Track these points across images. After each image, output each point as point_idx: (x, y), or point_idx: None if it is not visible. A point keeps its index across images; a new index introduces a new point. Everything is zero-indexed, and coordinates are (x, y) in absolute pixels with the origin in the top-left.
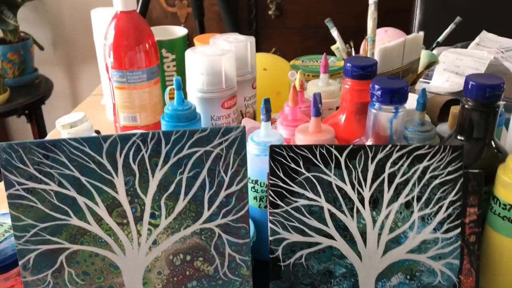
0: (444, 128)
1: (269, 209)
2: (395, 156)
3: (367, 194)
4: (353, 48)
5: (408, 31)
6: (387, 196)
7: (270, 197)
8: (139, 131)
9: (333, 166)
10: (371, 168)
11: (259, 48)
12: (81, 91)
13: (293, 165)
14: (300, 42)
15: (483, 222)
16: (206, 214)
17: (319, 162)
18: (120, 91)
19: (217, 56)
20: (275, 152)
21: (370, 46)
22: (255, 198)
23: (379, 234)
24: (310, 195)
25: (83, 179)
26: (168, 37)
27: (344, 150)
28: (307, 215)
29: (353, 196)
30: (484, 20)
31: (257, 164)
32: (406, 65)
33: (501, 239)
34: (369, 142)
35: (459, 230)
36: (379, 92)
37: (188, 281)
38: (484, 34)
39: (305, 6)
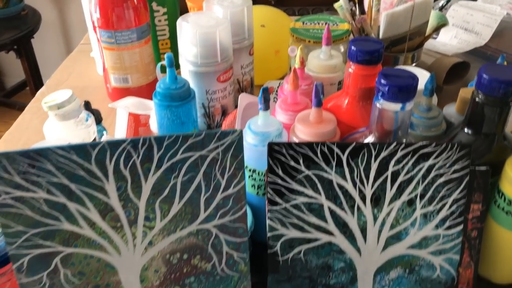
0: (451, 111)
1: (268, 206)
2: (399, 154)
3: (368, 192)
4: (357, 5)
5: None
6: (389, 194)
7: (268, 194)
8: (128, 139)
9: (334, 164)
10: (374, 166)
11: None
12: (70, 22)
13: (292, 163)
14: None
15: (485, 213)
16: (202, 215)
17: (319, 160)
18: (109, 52)
19: (211, 28)
20: (274, 150)
21: (376, 1)
22: (253, 186)
23: (380, 231)
24: (310, 192)
25: (72, 186)
26: None
27: (346, 148)
28: (306, 212)
29: (354, 194)
30: None
31: (254, 154)
32: (413, 28)
33: (503, 232)
34: (372, 136)
35: (461, 226)
36: (385, 88)
37: (186, 277)
38: None
39: None
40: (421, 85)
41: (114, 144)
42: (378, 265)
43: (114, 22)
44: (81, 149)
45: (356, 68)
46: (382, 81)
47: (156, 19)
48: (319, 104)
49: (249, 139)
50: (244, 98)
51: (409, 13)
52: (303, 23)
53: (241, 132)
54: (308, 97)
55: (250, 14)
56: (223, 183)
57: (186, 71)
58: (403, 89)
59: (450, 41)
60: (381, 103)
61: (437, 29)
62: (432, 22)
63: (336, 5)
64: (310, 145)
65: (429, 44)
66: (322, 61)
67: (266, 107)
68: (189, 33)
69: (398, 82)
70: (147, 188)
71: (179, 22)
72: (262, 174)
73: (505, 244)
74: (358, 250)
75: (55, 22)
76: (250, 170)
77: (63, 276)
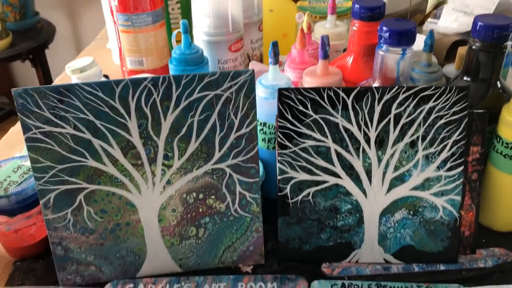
0: (450, 69)
1: (278, 150)
2: (401, 97)
3: (373, 135)
4: None
5: None
6: (392, 136)
7: (278, 138)
8: (149, 75)
9: (340, 108)
10: (378, 109)
11: None
12: (84, 34)
13: (301, 108)
14: None
15: (485, 161)
16: (217, 155)
17: (326, 104)
18: (125, 35)
19: None
20: (284, 95)
21: None
22: (263, 140)
23: (384, 173)
24: (318, 136)
25: (97, 122)
26: None
27: (351, 92)
28: (314, 155)
29: (359, 136)
30: None
31: (265, 107)
32: (414, 5)
33: (503, 176)
34: (376, 84)
35: (462, 168)
36: (387, 34)
37: (201, 217)
38: None
39: None
40: (421, 47)
41: (136, 82)
42: (383, 206)
43: (131, 6)
44: (106, 86)
45: (359, 25)
46: (384, 28)
47: (169, 7)
48: (325, 56)
49: (259, 93)
50: (254, 65)
51: None
52: (309, 2)
53: (253, 72)
54: (315, 60)
55: None
56: (237, 122)
57: (200, 42)
58: (403, 34)
59: (451, 24)
60: (383, 50)
61: (436, 7)
62: (432, 0)
63: None
64: (317, 90)
65: (431, 27)
66: (328, 29)
67: (276, 61)
68: (203, 4)
69: (398, 27)
70: (166, 126)
71: None
72: (272, 127)
73: (505, 188)
74: (364, 192)
75: (69, 34)
76: (261, 124)
77: (86, 213)
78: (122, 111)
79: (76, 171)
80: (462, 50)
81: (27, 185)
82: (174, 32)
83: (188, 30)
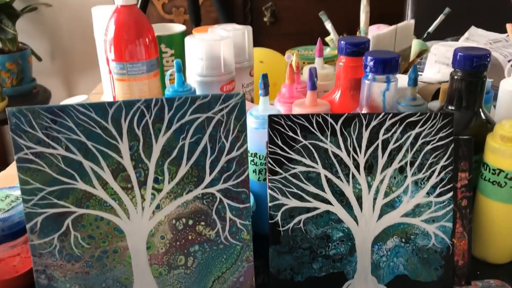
0: (435, 105)
1: (268, 176)
2: (388, 123)
3: (362, 160)
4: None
5: None
6: (381, 161)
7: (269, 164)
8: (142, 99)
9: (329, 133)
10: (366, 135)
11: None
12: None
13: (290, 133)
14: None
15: (474, 191)
16: (207, 179)
17: (315, 130)
18: (120, 83)
19: (215, 41)
20: (274, 121)
21: (364, 28)
22: (254, 171)
23: (374, 199)
24: (308, 161)
25: (89, 144)
26: (167, 33)
27: (340, 118)
28: (305, 181)
29: (349, 162)
30: (472, 19)
31: (256, 137)
32: (398, 52)
33: (492, 204)
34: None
35: (451, 193)
36: (371, 63)
37: (190, 245)
38: (474, 30)
39: (299, 12)
40: (405, 84)
41: (129, 103)
42: (375, 234)
43: (127, 55)
44: (100, 107)
45: (346, 60)
46: (369, 57)
47: (164, 60)
48: (313, 87)
49: (250, 123)
50: (246, 104)
51: (393, 35)
52: (298, 50)
53: (243, 95)
54: (304, 96)
55: (250, 38)
56: (227, 145)
57: (193, 83)
58: (387, 62)
59: (434, 76)
60: (369, 79)
61: (419, 55)
62: (414, 48)
63: (327, 39)
64: (306, 116)
65: None
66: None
67: (266, 92)
68: (196, 47)
69: (382, 56)
70: (157, 148)
71: (187, 39)
72: (263, 157)
73: (496, 216)
74: (355, 219)
75: (64, 99)
76: (251, 155)
77: (73, 238)
78: (114, 132)
79: (66, 194)
80: (445, 86)
81: (14, 212)
82: (168, 72)
83: (182, 68)
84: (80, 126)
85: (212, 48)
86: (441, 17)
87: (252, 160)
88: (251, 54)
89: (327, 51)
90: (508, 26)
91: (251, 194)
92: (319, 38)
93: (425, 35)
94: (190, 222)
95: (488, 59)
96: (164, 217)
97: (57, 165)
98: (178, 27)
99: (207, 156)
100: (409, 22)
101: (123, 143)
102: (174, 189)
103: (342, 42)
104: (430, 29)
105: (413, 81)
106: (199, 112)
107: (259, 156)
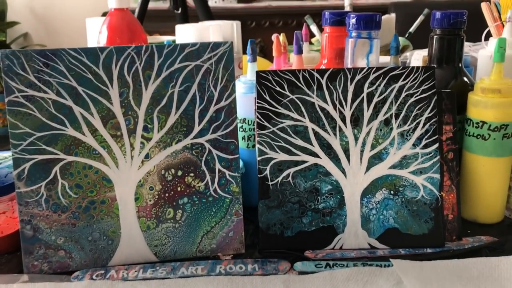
0: None
1: (257, 130)
2: (372, 76)
3: (348, 113)
4: None
5: None
6: (367, 114)
7: (257, 119)
8: (133, 45)
9: (315, 88)
10: (351, 88)
11: None
12: None
13: (278, 88)
14: None
15: (460, 151)
16: (196, 128)
17: (302, 85)
18: None
19: (205, 27)
20: (261, 77)
21: None
22: (243, 138)
23: (362, 151)
24: (295, 115)
25: (80, 89)
26: (158, 41)
27: (325, 73)
28: (292, 135)
29: (335, 115)
30: None
31: (244, 102)
32: (381, 47)
33: (478, 159)
34: None
35: (437, 145)
36: (354, 20)
37: (179, 197)
38: None
39: None
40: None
41: (120, 49)
42: (364, 186)
43: None
44: (91, 52)
45: (330, 30)
46: (351, 15)
47: None
48: (299, 51)
49: (239, 89)
50: None
51: None
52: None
53: (231, 44)
54: None
55: (239, 30)
56: (216, 94)
57: None
58: (369, 18)
59: None
60: (352, 37)
61: (402, 51)
62: None
63: (313, 40)
64: (293, 71)
65: None
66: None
67: (254, 58)
68: (186, 32)
69: (364, 14)
70: (147, 96)
71: (178, 27)
72: (252, 123)
73: (482, 171)
74: (343, 171)
75: None
76: (240, 120)
77: (61, 187)
78: (105, 78)
79: (54, 140)
80: (425, 58)
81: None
82: None
83: None
84: (72, 71)
85: (202, 32)
86: (421, 18)
87: (241, 126)
88: (239, 47)
89: (316, 44)
90: (483, 4)
91: (240, 160)
92: (305, 24)
93: (407, 34)
94: (179, 173)
95: (465, 16)
96: (153, 167)
97: (47, 110)
98: (169, 38)
99: (196, 105)
100: (390, 15)
101: (113, 89)
102: (163, 138)
103: (326, 13)
104: (412, 29)
105: (395, 50)
106: (188, 60)
107: (248, 121)
